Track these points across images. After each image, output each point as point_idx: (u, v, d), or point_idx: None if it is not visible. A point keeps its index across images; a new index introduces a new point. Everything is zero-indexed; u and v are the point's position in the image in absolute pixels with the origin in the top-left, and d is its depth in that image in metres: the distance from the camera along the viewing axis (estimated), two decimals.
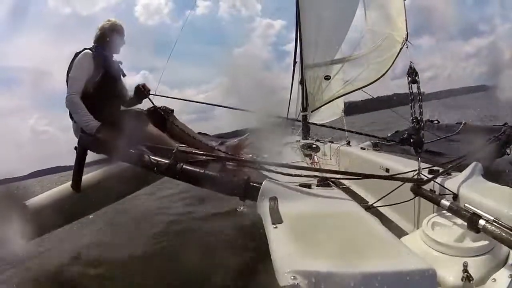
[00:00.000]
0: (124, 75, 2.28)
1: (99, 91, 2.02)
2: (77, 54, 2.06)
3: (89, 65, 2.02)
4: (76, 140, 2.04)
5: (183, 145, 1.89)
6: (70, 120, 2.12)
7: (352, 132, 3.40)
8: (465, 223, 1.06)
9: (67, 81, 2.05)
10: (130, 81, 2.38)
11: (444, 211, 1.21)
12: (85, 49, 2.08)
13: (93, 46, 2.13)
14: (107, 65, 2.09)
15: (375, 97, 3.89)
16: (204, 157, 1.69)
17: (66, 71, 2.07)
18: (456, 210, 1.06)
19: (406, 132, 2.66)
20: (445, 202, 1.11)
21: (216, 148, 2.12)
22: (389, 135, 3.35)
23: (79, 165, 2.07)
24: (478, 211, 0.98)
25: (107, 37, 2.15)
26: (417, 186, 1.32)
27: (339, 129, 3.76)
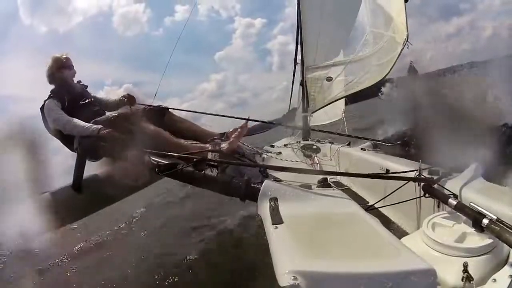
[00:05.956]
0: (86, 86, 2.37)
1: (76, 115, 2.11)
2: (42, 107, 2.16)
3: (57, 107, 2.12)
4: None
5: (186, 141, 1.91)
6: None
7: (351, 136, 3.38)
8: (465, 224, 1.07)
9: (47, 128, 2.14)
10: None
11: (444, 212, 1.21)
12: (45, 101, 2.17)
13: (50, 92, 2.21)
14: (69, 94, 2.18)
15: None
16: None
17: (43, 121, 2.17)
18: (462, 209, 1.07)
19: (406, 136, 2.63)
20: (453, 201, 1.13)
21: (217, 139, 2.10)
22: (388, 136, 3.33)
23: (80, 167, 2.10)
24: (483, 211, 0.99)
25: (56, 74, 2.23)
26: (429, 185, 1.34)
27: (333, 133, 3.65)
